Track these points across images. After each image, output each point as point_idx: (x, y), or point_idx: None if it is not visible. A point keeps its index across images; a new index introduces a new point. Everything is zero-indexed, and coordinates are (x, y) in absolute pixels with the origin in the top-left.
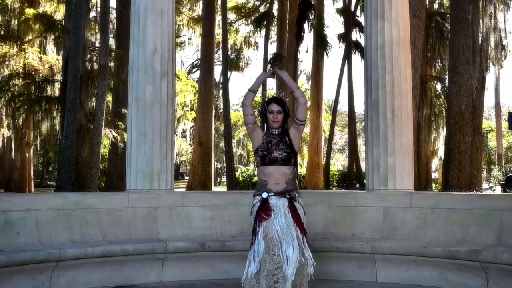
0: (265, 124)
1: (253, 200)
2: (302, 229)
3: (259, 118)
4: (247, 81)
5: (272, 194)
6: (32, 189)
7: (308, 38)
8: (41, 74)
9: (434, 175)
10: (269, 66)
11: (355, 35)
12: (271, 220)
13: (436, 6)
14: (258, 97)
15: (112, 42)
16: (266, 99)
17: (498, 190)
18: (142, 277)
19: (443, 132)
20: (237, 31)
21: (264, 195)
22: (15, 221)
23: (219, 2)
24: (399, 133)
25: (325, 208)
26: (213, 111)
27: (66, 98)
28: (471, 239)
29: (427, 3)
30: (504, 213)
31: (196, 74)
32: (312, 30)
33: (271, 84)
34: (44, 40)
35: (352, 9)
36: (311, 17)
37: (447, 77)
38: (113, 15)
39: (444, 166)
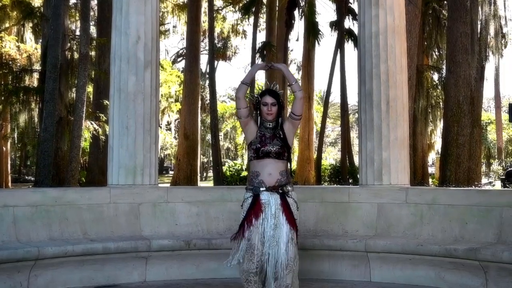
0: (259, 117)
1: (244, 194)
2: (293, 225)
3: (248, 107)
4: (235, 71)
5: (264, 189)
6: (9, 184)
7: (299, 26)
8: (18, 64)
9: (431, 170)
10: (257, 55)
11: (348, 23)
12: (259, 223)
13: None
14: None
15: (93, 30)
16: (260, 91)
17: (498, 185)
18: (124, 276)
19: (440, 125)
20: (224, 18)
21: (256, 191)
22: None
23: None
24: (394, 126)
25: (317, 204)
26: (199, 102)
27: (45, 89)
28: (470, 236)
29: None
30: (504, 210)
31: (181, 64)
32: (303, 17)
33: (260, 74)
34: (22, 28)
35: None
36: (302, 3)
37: (444, 67)
38: (94, 2)
39: (441, 160)
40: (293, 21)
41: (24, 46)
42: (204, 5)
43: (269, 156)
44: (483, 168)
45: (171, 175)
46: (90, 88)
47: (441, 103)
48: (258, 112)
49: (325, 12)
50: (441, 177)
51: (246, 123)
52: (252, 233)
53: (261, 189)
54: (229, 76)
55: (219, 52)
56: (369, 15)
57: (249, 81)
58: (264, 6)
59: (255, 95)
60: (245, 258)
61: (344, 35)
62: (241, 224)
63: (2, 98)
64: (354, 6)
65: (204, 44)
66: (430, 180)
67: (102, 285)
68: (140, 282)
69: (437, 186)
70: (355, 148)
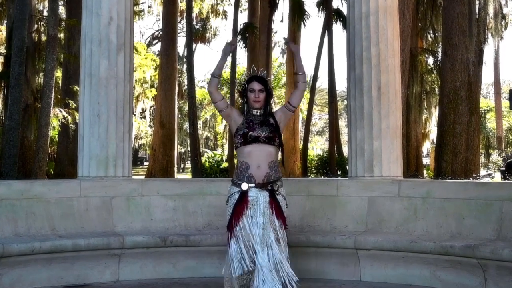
0: (246, 106)
1: (230, 188)
2: (283, 222)
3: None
4: (214, 54)
5: (253, 185)
6: None
7: (283, 5)
8: None
9: (426, 161)
10: (239, 38)
11: (337, 3)
12: (248, 220)
13: None
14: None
15: (62, 10)
16: (247, 77)
17: (497, 177)
18: (96, 275)
19: (435, 112)
20: None
21: (244, 186)
22: None
23: None
24: (386, 113)
25: (303, 198)
26: (176, 88)
27: (10, 73)
28: (467, 232)
29: None
30: (504, 203)
31: (157, 47)
32: None
33: (242, 58)
34: None
35: None
36: None
37: (440, 50)
38: None
39: (436, 150)
40: (277, 1)
41: None
42: None
43: (258, 140)
44: (482, 159)
45: (146, 166)
46: (58, 73)
47: (436, 89)
48: (245, 99)
49: None
50: (437, 169)
51: (228, 114)
52: (242, 231)
53: (250, 185)
54: (208, 60)
55: (198, 34)
56: None
57: (219, 73)
58: None
59: (242, 82)
60: (235, 259)
61: (332, 15)
62: (228, 225)
63: None
64: None
65: (182, 26)
66: (425, 172)
67: (72, 284)
68: (112, 282)
69: (432, 178)
70: (344, 138)
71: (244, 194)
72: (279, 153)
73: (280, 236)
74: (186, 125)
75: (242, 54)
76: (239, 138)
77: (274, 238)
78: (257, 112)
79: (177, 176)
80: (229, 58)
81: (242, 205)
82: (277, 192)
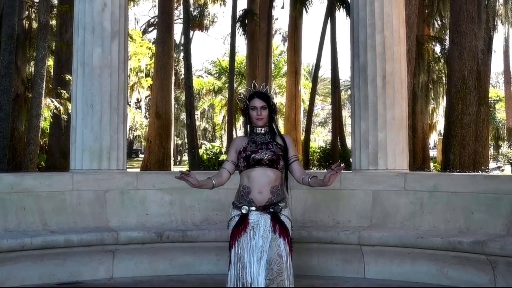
0: (248, 125)
1: (231, 210)
2: (288, 242)
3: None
4: (213, 42)
5: (254, 209)
6: None
7: None
8: None
9: (433, 153)
10: (238, 25)
11: None
12: (247, 240)
13: None
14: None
15: None
16: (248, 94)
17: (507, 170)
18: (89, 272)
19: (443, 102)
20: None
21: (244, 210)
22: None
23: None
24: (391, 104)
25: (304, 192)
26: (173, 77)
27: None
28: (476, 227)
29: None
30: None
31: (153, 34)
32: None
33: (241, 46)
34: None
35: None
36: None
37: (447, 37)
38: None
39: (444, 142)
40: None
41: None
42: None
43: (261, 163)
44: (491, 151)
45: (141, 159)
46: (50, 62)
47: (444, 78)
48: (247, 117)
49: None
50: (444, 161)
51: (237, 152)
52: (242, 251)
53: (251, 208)
54: (206, 48)
55: (195, 21)
56: None
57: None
58: None
59: (243, 99)
60: (233, 277)
61: (335, 1)
62: (229, 245)
63: None
64: None
65: (178, 12)
66: (432, 164)
67: (64, 282)
68: (106, 279)
69: (439, 171)
70: (348, 129)
71: (244, 217)
72: (282, 176)
73: (284, 255)
74: (183, 115)
75: (241, 42)
76: (242, 161)
77: (276, 255)
78: (261, 130)
79: (174, 168)
80: (227, 46)
81: (240, 228)
82: (280, 213)
